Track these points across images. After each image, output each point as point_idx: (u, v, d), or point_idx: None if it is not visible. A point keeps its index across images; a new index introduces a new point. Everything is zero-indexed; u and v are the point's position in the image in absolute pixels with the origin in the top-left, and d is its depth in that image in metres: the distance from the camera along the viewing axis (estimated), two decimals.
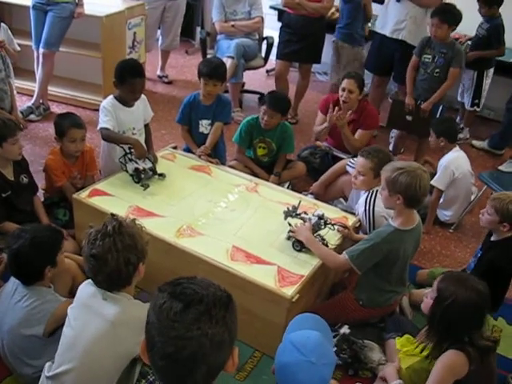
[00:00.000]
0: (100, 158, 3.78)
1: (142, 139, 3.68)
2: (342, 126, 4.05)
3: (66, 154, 3.50)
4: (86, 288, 2.16)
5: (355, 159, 3.63)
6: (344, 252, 2.77)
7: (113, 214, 2.20)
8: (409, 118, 4.61)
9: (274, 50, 5.46)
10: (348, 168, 3.74)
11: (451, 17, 4.28)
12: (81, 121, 3.53)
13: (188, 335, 1.23)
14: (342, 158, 4.15)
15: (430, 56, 4.44)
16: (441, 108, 4.57)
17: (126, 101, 3.52)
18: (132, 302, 2.12)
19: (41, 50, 4.77)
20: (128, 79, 3.41)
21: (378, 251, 2.71)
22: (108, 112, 3.46)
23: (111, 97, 3.55)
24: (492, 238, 3.07)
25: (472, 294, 2.22)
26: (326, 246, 2.92)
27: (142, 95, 3.63)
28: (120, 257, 2.02)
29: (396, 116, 4.73)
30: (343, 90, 4.12)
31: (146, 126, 3.76)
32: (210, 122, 3.91)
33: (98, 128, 3.49)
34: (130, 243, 2.06)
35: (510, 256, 2.93)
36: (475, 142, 5.33)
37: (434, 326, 2.32)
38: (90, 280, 2.18)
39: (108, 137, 3.47)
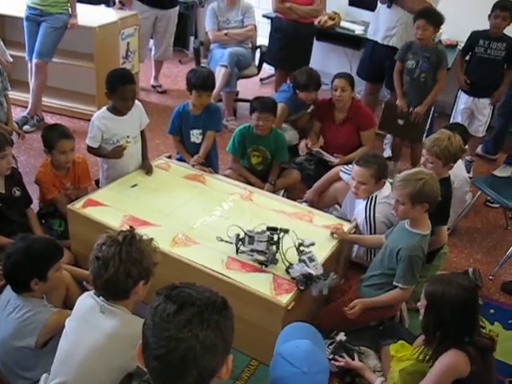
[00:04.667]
0: (99, 167, 3.79)
1: (137, 147, 3.70)
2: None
3: (56, 166, 3.49)
4: (85, 300, 2.16)
5: (349, 166, 3.65)
6: (395, 283, 2.81)
7: (131, 227, 2.21)
8: (400, 122, 4.60)
9: None
10: (342, 174, 3.74)
11: (436, 18, 4.30)
12: (69, 131, 3.51)
13: (179, 336, 1.25)
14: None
15: (413, 61, 4.44)
16: (432, 110, 4.62)
17: (120, 110, 3.52)
18: (130, 316, 2.10)
19: (34, 61, 4.78)
20: (118, 87, 3.41)
21: (418, 261, 2.76)
22: (95, 128, 3.50)
23: (103, 109, 3.54)
24: None
25: (459, 291, 2.22)
26: (276, 248, 2.86)
27: (137, 102, 3.64)
28: (121, 266, 2.01)
29: (388, 119, 4.74)
30: (335, 89, 4.15)
31: (142, 134, 3.75)
32: (200, 131, 3.91)
33: (86, 141, 3.56)
34: (135, 257, 2.05)
35: (451, 190, 3.29)
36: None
37: (430, 333, 2.31)
38: (89, 292, 2.18)
39: (94, 154, 3.64)
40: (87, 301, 2.14)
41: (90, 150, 3.57)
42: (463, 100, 4.90)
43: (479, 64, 4.74)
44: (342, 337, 2.77)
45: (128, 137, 3.59)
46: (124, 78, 3.46)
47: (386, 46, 4.81)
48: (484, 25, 4.66)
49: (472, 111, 4.89)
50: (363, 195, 3.36)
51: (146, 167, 3.68)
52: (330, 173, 3.92)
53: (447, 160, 3.19)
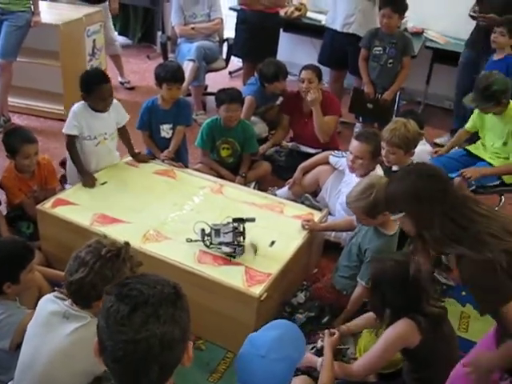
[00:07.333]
0: (67, 165, 3.73)
1: (113, 144, 3.71)
2: (314, 101, 4.10)
3: (20, 170, 3.40)
4: (47, 305, 2.09)
5: (339, 152, 3.81)
6: (358, 279, 2.85)
7: (126, 243, 2.10)
8: (370, 105, 4.67)
9: None
10: (331, 158, 3.80)
11: (401, 6, 4.39)
12: (31, 135, 3.43)
13: (137, 338, 1.22)
14: (310, 154, 4.20)
15: (380, 48, 4.51)
16: (398, 95, 4.74)
17: (99, 109, 3.50)
18: (94, 320, 1.99)
19: None
20: (95, 88, 3.39)
21: None
22: (75, 116, 3.47)
23: (83, 102, 3.51)
24: (394, 168, 3.34)
25: (394, 268, 2.28)
26: (243, 238, 2.88)
27: (114, 99, 3.62)
28: (89, 276, 1.96)
29: (357, 104, 4.81)
30: (302, 81, 4.17)
31: (123, 129, 3.75)
32: (171, 126, 3.91)
33: (63, 131, 3.50)
34: (107, 274, 1.97)
35: None
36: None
37: (379, 312, 2.35)
38: (49, 296, 2.13)
39: (70, 150, 3.53)
40: (48, 305, 2.08)
41: (69, 143, 3.51)
42: None
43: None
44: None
45: (105, 133, 3.59)
46: (99, 78, 3.45)
47: (346, 34, 4.84)
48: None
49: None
50: (359, 169, 3.40)
51: (139, 160, 3.75)
52: (320, 155, 3.98)
53: (408, 147, 3.25)
